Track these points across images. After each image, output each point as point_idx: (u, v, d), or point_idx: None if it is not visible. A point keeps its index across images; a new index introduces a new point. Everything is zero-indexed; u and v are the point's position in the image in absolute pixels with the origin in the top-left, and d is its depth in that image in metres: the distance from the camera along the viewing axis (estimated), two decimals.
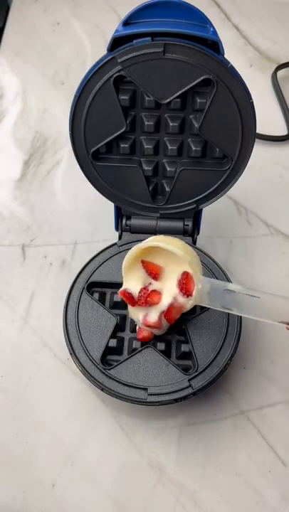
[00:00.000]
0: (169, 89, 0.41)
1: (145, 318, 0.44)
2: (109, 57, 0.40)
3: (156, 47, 0.39)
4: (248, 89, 0.41)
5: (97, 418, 0.47)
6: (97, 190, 0.48)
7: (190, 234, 0.51)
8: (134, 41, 0.39)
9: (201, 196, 0.48)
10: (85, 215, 0.60)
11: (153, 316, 0.44)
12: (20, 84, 0.73)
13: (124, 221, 0.51)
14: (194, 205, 0.49)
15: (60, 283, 0.55)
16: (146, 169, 0.47)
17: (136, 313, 0.45)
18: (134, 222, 0.51)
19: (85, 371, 0.44)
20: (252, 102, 0.41)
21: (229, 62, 0.40)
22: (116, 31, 0.39)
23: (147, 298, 0.44)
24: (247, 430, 0.47)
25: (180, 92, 0.41)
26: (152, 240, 0.43)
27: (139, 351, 0.45)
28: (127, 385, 0.43)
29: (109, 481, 0.45)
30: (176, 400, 0.43)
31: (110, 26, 0.76)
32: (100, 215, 0.59)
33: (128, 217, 0.51)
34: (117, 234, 0.52)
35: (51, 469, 0.45)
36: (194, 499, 0.44)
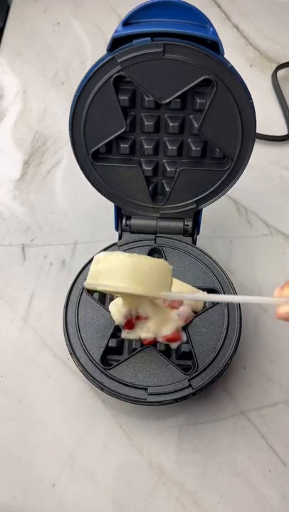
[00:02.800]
0: (168, 90, 0.41)
1: (163, 333, 0.45)
2: (109, 58, 0.40)
3: (156, 47, 0.39)
4: (248, 89, 0.41)
5: (97, 418, 0.47)
6: (97, 190, 0.48)
7: (190, 234, 0.51)
8: (134, 41, 0.39)
9: (201, 196, 0.48)
10: (85, 215, 0.60)
11: (169, 328, 0.45)
12: (20, 84, 0.73)
13: (124, 221, 0.51)
14: (194, 205, 0.49)
15: (60, 283, 0.55)
16: (146, 169, 0.47)
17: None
18: (134, 222, 0.51)
19: (84, 371, 0.44)
20: (252, 102, 0.41)
21: (229, 63, 0.40)
22: (116, 31, 0.39)
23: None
24: (247, 430, 0.47)
25: (180, 92, 0.41)
26: (90, 277, 0.38)
27: (139, 351, 0.45)
28: (127, 385, 0.43)
29: (109, 481, 0.45)
30: (176, 400, 0.43)
31: (110, 26, 0.76)
32: (100, 215, 0.59)
33: (128, 217, 0.51)
34: (117, 234, 0.52)
35: (51, 469, 0.45)
36: (194, 499, 0.44)
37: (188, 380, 0.43)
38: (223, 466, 0.45)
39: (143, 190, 0.48)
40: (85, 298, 0.47)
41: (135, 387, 0.43)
